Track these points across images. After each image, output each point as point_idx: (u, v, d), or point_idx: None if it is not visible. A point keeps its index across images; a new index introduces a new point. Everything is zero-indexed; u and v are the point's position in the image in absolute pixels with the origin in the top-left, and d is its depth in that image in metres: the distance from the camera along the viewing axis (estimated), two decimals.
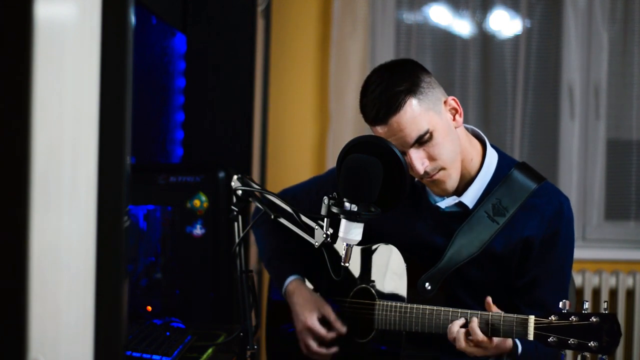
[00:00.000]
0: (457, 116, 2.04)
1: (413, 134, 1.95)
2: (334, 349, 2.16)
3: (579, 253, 3.84)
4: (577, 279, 3.73)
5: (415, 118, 1.95)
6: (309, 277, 2.30)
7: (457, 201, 2.07)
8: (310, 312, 2.18)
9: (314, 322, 2.16)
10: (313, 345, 2.16)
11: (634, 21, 3.88)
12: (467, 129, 2.13)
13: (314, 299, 2.20)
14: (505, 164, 2.11)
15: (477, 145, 2.11)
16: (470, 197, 2.07)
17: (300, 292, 2.23)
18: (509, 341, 1.94)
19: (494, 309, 1.90)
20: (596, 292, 3.78)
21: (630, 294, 3.80)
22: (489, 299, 1.91)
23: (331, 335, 2.16)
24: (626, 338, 3.81)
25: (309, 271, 2.30)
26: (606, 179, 3.91)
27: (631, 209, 3.92)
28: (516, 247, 2.05)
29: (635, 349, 3.78)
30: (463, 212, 2.08)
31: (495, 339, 1.89)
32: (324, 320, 2.18)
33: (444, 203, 2.09)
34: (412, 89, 1.96)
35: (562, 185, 3.89)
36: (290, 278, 2.27)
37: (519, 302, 2.07)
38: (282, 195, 2.32)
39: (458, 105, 2.05)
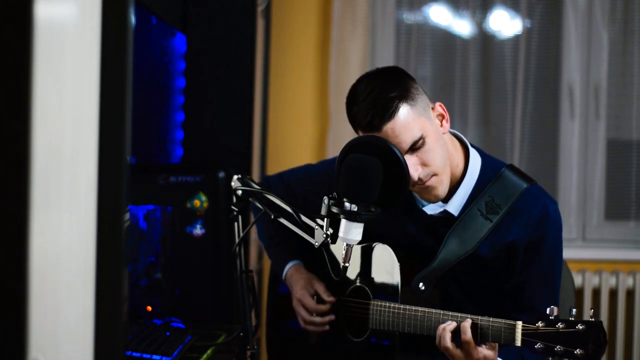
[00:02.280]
0: (444, 122, 2.03)
1: (408, 140, 1.94)
2: (327, 318, 2.19)
3: (579, 253, 3.87)
4: (577, 279, 3.73)
5: (409, 124, 1.94)
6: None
7: (442, 209, 2.07)
8: (302, 287, 2.23)
9: (303, 294, 2.22)
10: (305, 315, 2.21)
11: (634, 21, 3.89)
12: (449, 132, 2.13)
13: (309, 278, 2.25)
14: (489, 166, 2.10)
15: (460, 149, 2.11)
16: (455, 205, 2.07)
17: (299, 273, 2.28)
18: (494, 357, 1.90)
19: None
20: (596, 292, 3.78)
21: (630, 294, 3.80)
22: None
23: (319, 307, 2.19)
24: (626, 338, 3.81)
25: (306, 266, 2.32)
26: (606, 179, 3.91)
27: (631, 209, 3.92)
28: (501, 251, 2.04)
29: (635, 349, 3.78)
30: (449, 217, 2.08)
31: (482, 352, 1.87)
32: (318, 299, 2.22)
33: (430, 209, 2.09)
34: (405, 95, 1.94)
35: (562, 185, 3.89)
36: (290, 264, 2.31)
37: (508, 306, 2.07)
38: (277, 178, 2.34)
39: (445, 111, 2.04)
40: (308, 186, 2.31)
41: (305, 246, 2.21)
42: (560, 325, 1.76)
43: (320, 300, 2.21)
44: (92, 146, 1.14)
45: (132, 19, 1.17)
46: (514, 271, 2.05)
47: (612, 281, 3.79)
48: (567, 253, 2.20)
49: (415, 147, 1.95)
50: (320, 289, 2.21)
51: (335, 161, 1.99)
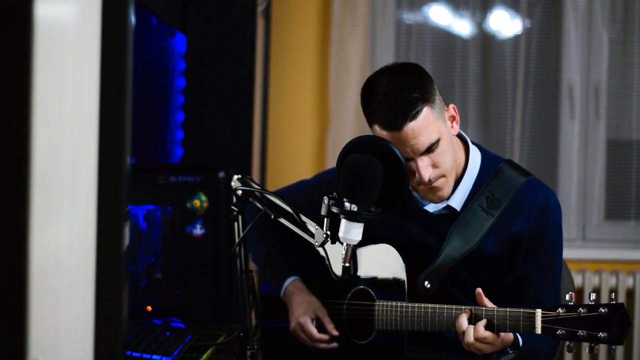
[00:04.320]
0: (454, 123, 2.05)
1: (426, 142, 1.95)
2: (331, 345, 2.15)
3: (579, 253, 3.87)
4: (577, 279, 3.73)
5: (429, 126, 1.95)
6: (305, 278, 2.29)
7: (445, 205, 2.08)
8: (305, 311, 2.17)
9: (306, 320, 2.16)
10: (307, 341, 2.17)
11: (634, 21, 3.89)
12: None
13: (313, 302, 2.20)
14: (489, 162, 2.12)
15: (461, 145, 2.12)
16: (457, 201, 2.08)
17: (301, 293, 2.23)
18: (511, 334, 1.93)
19: (486, 300, 1.90)
20: (596, 292, 3.78)
21: (630, 294, 3.80)
22: (479, 290, 1.91)
23: (321, 336, 2.15)
24: (626, 338, 3.80)
25: (304, 273, 2.30)
26: (606, 179, 3.91)
27: (631, 209, 3.92)
28: (505, 244, 2.06)
29: (635, 349, 3.79)
30: (452, 214, 2.08)
31: (502, 333, 1.89)
32: (318, 323, 2.18)
33: (431, 207, 2.09)
34: (427, 97, 1.96)
35: (562, 185, 3.89)
36: (290, 279, 2.26)
37: (511, 299, 2.07)
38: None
39: (456, 113, 2.06)
40: (301, 197, 2.29)
41: (302, 256, 2.20)
42: (582, 310, 1.76)
43: (321, 328, 2.17)
44: (92, 146, 1.14)
45: (132, 19, 1.17)
46: (517, 263, 2.06)
47: (612, 281, 3.79)
48: (567, 253, 2.21)
49: (430, 149, 1.96)
50: (325, 319, 2.16)
51: (330, 173, 1.99)
